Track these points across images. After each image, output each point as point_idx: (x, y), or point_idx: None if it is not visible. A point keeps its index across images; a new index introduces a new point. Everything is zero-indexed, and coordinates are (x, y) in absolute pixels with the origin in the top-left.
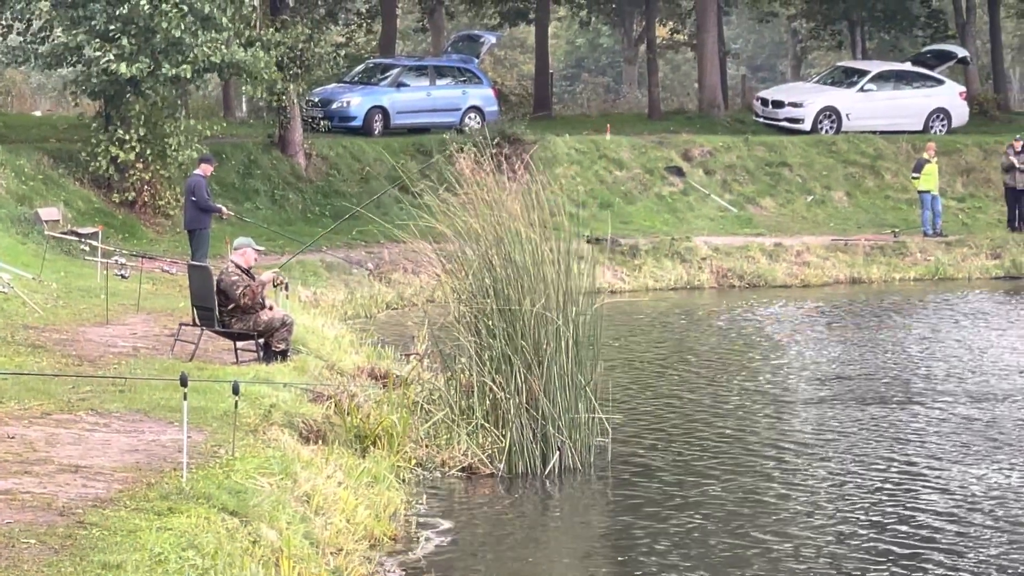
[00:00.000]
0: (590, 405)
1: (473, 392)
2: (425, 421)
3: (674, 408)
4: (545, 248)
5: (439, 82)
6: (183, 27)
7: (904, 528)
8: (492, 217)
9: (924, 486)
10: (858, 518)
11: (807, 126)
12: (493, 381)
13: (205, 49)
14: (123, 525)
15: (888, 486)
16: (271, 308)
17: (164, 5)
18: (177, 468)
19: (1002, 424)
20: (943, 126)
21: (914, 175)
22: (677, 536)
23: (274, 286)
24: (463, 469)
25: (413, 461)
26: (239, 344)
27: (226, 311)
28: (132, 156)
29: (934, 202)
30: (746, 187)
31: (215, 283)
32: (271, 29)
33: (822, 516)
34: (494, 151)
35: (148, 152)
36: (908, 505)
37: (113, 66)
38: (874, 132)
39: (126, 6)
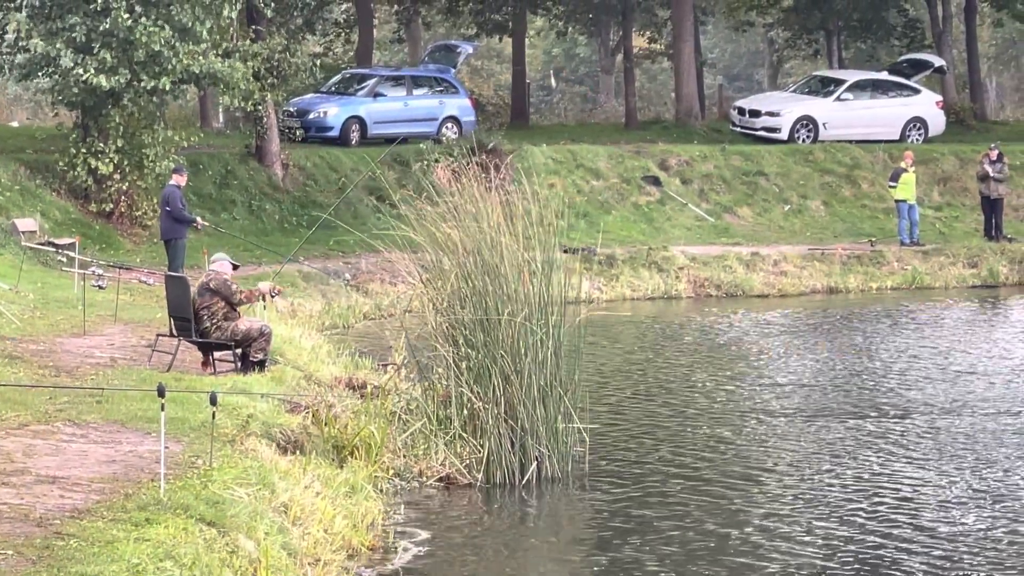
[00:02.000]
0: (568, 415)
1: (451, 402)
2: (403, 431)
3: (651, 417)
4: (524, 257)
5: (416, 92)
6: (163, 40)
7: (893, 536)
8: (470, 226)
9: (922, 497)
10: (833, 524)
11: (784, 135)
12: (471, 391)
13: (185, 60)
14: (101, 536)
15: (866, 496)
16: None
17: (145, 20)
18: (155, 479)
19: (931, 434)
20: (920, 135)
21: (891, 184)
22: (654, 545)
23: (271, 296)
24: (441, 479)
25: (391, 471)
26: (216, 354)
27: (208, 314)
28: (110, 167)
29: (911, 211)
30: (723, 196)
31: (204, 284)
32: (248, 40)
33: (799, 522)
34: (472, 160)
35: (126, 163)
36: (890, 515)
37: (93, 79)
38: (851, 141)
39: (107, 21)
